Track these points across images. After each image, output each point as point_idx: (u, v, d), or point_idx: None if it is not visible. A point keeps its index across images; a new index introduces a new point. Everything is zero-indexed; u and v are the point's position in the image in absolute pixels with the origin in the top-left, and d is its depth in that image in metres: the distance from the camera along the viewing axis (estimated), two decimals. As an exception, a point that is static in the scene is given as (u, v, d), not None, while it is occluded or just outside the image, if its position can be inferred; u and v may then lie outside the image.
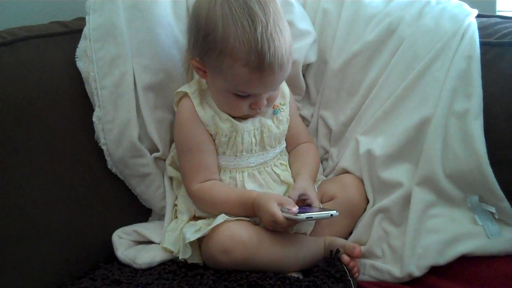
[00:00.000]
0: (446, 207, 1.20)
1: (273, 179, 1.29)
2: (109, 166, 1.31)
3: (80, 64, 1.29)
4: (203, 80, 1.27)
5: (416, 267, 1.15)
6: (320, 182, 1.38)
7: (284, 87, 1.32)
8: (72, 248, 1.24)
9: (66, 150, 1.27)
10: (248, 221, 1.21)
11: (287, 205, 1.16)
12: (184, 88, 1.27)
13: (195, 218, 1.29)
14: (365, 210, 1.31)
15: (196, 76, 1.29)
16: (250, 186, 1.26)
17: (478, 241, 1.15)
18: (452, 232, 1.16)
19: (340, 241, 1.23)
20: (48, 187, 1.23)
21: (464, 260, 1.14)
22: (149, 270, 1.21)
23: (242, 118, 1.26)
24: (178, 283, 1.14)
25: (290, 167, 1.34)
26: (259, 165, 1.29)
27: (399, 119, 1.28)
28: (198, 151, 1.25)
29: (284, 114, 1.31)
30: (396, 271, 1.17)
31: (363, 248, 1.25)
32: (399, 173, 1.25)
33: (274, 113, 1.29)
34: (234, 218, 1.19)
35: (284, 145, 1.34)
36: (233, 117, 1.25)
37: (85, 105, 1.30)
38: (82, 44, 1.30)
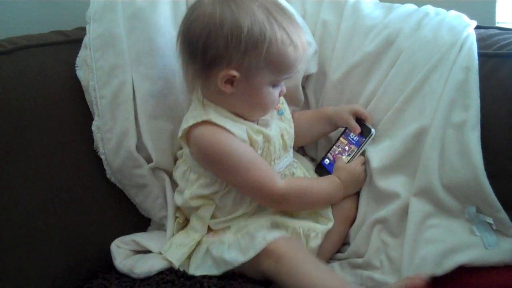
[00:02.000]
0: (443, 217, 1.19)
1: None
2: (108, 176, 1.32)
3: (80, 73, 1.30)
4: (203, 100, 1.23)
5: (413, 278, 1.14)
6: None
7: None
8: (70, 256, 1.25)
9: (66, 158, 1.27)
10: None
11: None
12: (200, 118, 1.20)
13: (208, 231, 1.28)
14: (355, 217, 1.32)
15: (197, 103, 1.24)
16: None
17: (476, 252, 1.14)
18: (450, 242, 1.16)
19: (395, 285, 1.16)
20: (47, 195, 1.23)
21: (462, 271, 1.13)
22: (147, 280, 1.21)
23: (262, 124, 1.27)
24: (176, 293, 1.14)
25: (301, 130, 1.38)
26: (286, 168, 1.30)
27: (397, 130, 1.28)
28: (258, 157, 1.23)
29: (287, 112, 1.34)
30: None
31: (361, 260, 1.25)
32: (396, 183, 1.25)
33: (280, 113, 1.32)
34: (276, 238, 1.18)
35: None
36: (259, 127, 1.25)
37: (85, 114, 1.30)
38: (82, 53, 1.30)
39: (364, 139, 1.32)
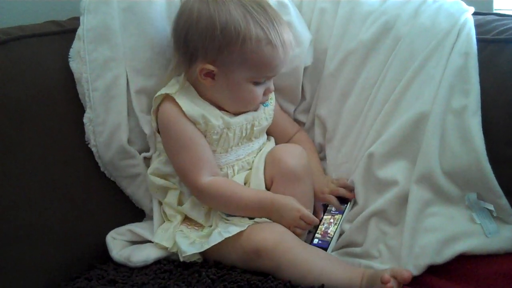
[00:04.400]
0: (443, 205, 1.19)
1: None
2: (101, 168, 1.32)
3: (73, 64, 1.29)
4: (183, 80, 1.27)
5: (413, 267, 1.13)
6: None
7: None
8: (67, 248, 1.24)
9: (60, 150, 1.27)
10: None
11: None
12: (165, 90, 1.26)
13: (185, 219, 1.29)
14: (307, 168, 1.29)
15: (173, 79, 1.29)
16: (241, 175, 1.28)
17: (476, 240, 1.14)
18: (450, 230, 1.15)
19: (382, 271, 1.13)
20: (43, 187, 1.23)
21: (462, 259, 1.13)
22: (145, 269, 1.21)
23: (236, 114, 1.27)
24: (174, 282, 1.13)
25: None
26: (247, 156, 1.30)
27: (396, 119, 1.27)
28: (195, 145, 1.24)
29: (272, 107, 1.34)
30: (393, 270, 1.16)
31: (359, 249, 1.24)
32: (394, 171, 1.24)
33: (264, 105, 1.32)
34: (232, 234, 1.17)
35: (265, 137, 1.36)
36: (225, 113, 1.26)
37: (80, 105, 1.30)
38: (75, 45, 1.30)
39: (345, 205, 1.33)
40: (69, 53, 1.29)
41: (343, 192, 1.32)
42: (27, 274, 1.18)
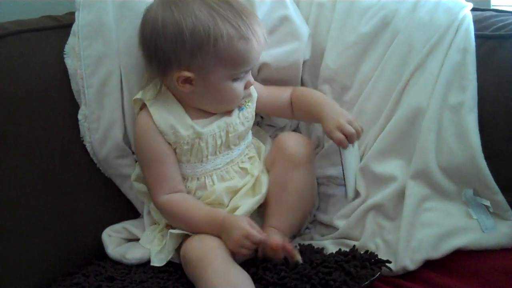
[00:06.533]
0: (440, 201, 1.19)
1: (239, 176, 1.28)
2: (97, 165, 1.31)
3: (68, 61, 1.28)
4: (160, 84, 1.25)
5: (410, 261, 1.14)
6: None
7: (252, 90, 1.32)
8: (63, 244, 1.24)
9: (57, 145, 1.26)
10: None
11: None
12: (141, 95, 1.25)
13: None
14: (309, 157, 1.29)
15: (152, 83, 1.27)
16: (221, 186, 1.25)
17: (473, 235, 1.14)
18: (446, 226, 1.16)
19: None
20: (39, 182, 1.23)
21: (459, 254, 1.14)
22: (143, 267, 1.21)
23: (208, 122, 1.25)
24: (173, 283, 1.13)
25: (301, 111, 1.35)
26: (226, 164, 1.27)
27: (394, 113, 1.27)
28: (158, 162, 1.23)
29: (250, 110, 1.30)
30: (390, 264, 1.16)
31: (356, 243, 1.24)
32: (392, 166, 1.24)
33: (240, 109, 1.28)
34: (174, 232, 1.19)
35: (250, 139, 1.33)
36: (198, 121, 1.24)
37: (76, 101, 1.29)
38: (70, 41, 1.29)
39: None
40: (65, 49, 1.29)
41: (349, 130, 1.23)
42: (23, 269, 1.18)
